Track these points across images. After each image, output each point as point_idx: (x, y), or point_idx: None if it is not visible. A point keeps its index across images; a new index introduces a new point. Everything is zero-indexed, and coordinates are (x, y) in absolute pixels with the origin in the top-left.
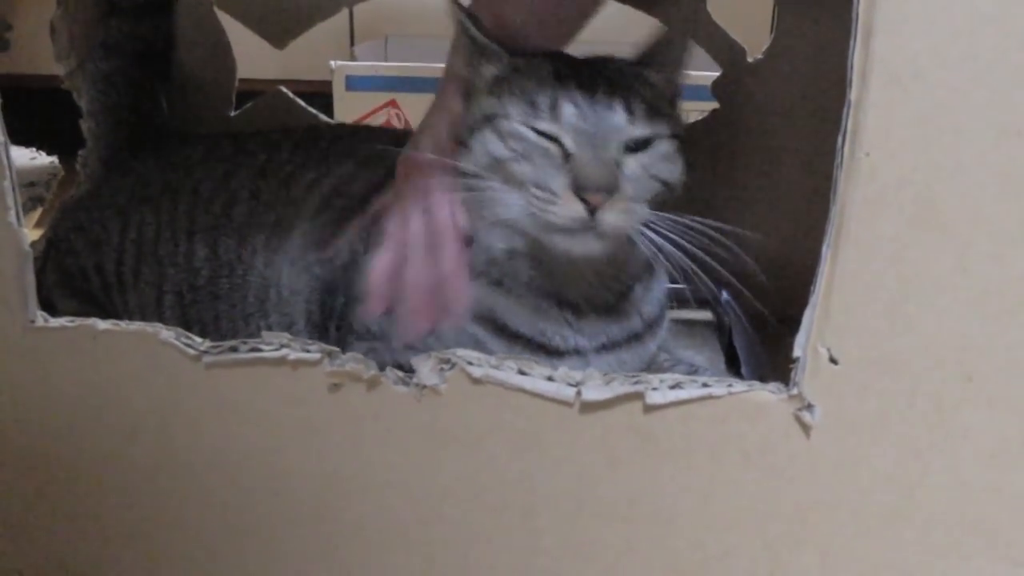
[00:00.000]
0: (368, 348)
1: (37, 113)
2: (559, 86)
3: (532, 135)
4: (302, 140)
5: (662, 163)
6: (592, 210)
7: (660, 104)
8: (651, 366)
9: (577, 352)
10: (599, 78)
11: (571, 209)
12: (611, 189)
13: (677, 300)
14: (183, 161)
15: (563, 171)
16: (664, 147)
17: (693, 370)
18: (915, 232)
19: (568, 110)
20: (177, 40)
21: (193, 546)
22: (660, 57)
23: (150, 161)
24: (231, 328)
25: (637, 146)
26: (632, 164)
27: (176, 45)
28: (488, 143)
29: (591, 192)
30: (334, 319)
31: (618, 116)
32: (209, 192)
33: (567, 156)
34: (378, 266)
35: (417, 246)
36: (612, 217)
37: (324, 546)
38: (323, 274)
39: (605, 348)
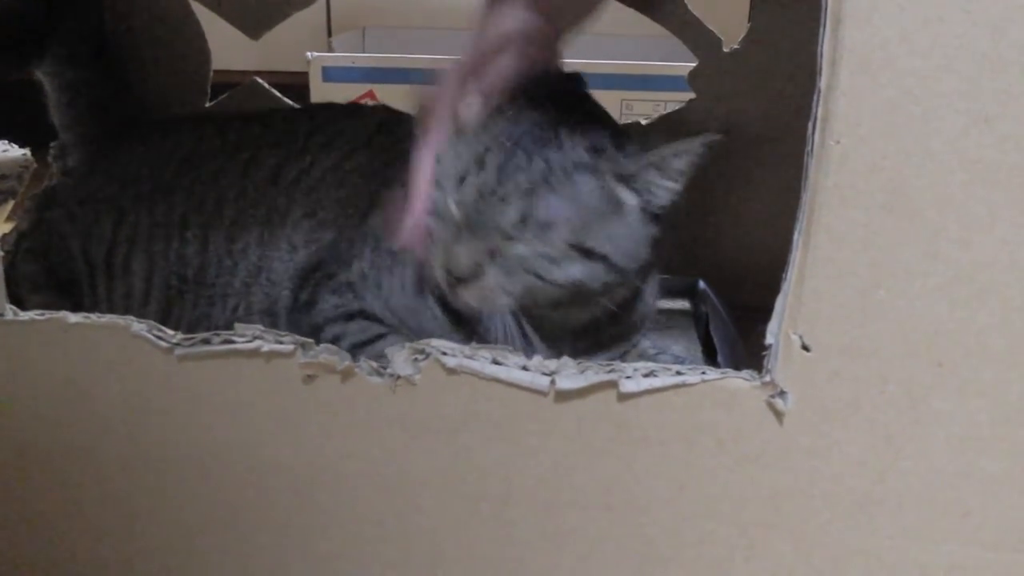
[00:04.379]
0: (338, 303)
1: (7, 105)
2: None
3: None
4: (281, 129)
5: None
6: None
7: None
8: (634, 354)
9: None
10: None
11: None
12: None
13: None
14: (172, 154)
15: None
16: None
17: (679, 360)
18: (885, 219)
19: None
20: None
21: (168, 538)
22: None
23: (138, 151)
24: (211, 314)
25: None
26: None
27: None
28: None
29: None
30: (307, 288)
31: None
32: (200, 192)
33: None
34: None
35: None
36: None
37: (299, 537)
38: (306, 255)
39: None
